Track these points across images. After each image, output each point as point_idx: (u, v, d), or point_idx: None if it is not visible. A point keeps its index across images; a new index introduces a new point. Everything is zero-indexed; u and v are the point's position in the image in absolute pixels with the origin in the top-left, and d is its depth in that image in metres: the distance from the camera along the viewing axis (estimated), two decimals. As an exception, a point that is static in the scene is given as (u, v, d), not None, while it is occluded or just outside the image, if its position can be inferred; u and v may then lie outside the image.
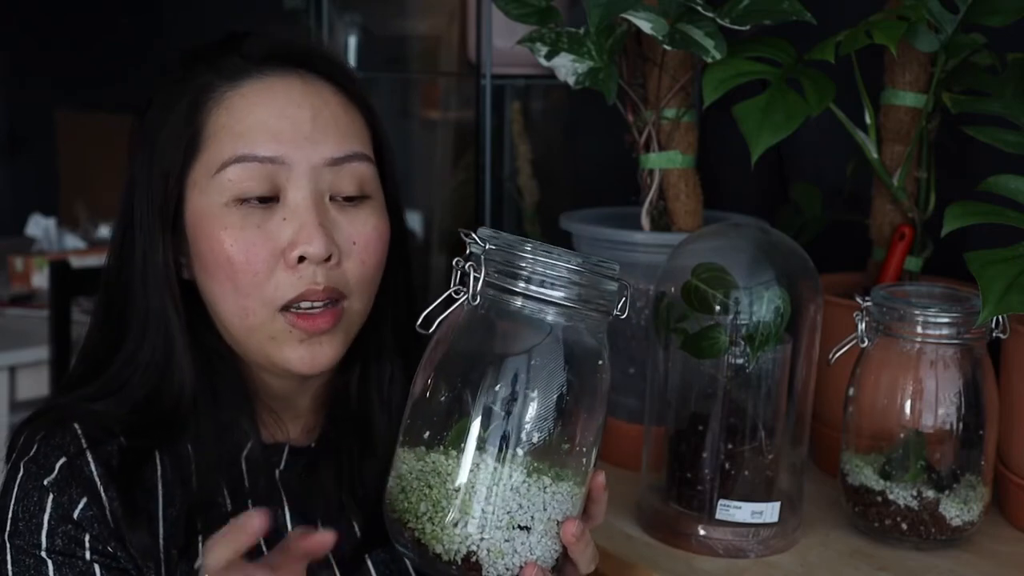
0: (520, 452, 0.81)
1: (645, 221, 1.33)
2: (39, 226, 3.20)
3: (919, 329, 1.08)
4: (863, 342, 1.10)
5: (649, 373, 1.14)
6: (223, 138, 0.94)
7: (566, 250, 0.83)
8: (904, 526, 1.09)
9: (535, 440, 0.81)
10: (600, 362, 0.85)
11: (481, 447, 0.81)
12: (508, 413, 0.81)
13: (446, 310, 0.84)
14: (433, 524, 0.81)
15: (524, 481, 0.81)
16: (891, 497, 1.09)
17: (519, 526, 0.81)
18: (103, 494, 0.93)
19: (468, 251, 0.83)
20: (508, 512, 0.81)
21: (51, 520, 0.92)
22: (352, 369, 1.04)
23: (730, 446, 1.07)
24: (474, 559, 0.80)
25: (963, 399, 1.08)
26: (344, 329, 0.97)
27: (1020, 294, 0.97)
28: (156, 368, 0.97)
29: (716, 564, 1.07)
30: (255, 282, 0.93)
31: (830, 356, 1.11)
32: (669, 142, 1.31)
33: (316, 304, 0.94)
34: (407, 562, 1.04)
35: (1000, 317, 1.07)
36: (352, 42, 2.32)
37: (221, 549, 0.82)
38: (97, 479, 0.93)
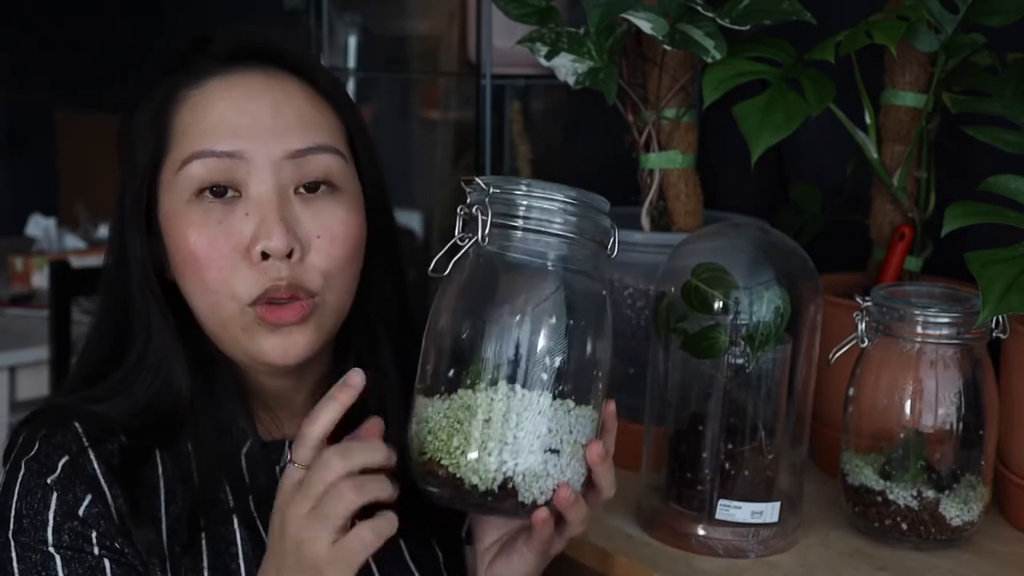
0: (544, 377, 0.85)
1: (645, 221, 1.33)
2: (39, 226, 3.20)
3: (919, 329, 1.08)
4: (863, 342, 1.10)
5: (649, 373, 1.14)
6: (186, 136, 0.95)
7: (561, 185, 0.88)
8: (904, 526, 1.09)
9: (556, 364, 0.85)
10: (603, 292, 0.90)
11: (506, 377, 0.84)
12: (522, 340, 0.85)
13: (452, 256, 0.88)
14: (467, 456, 0.84)
15: (551, 405, 0.85)
16: (891, 497, 1.09)
17: (550, 449, 0.85)
18: (107, 491, 0.93)
19: (469, 199, 0.88)
20: (538, 436, 0.84)
21: (56, 517, 0.92)
22: (345, 365, 1.03)
23: (730, 446, 1.07)
24: (510, 485, 0.83)
25: (963, 399, 1.08)
26: (316, 323, 0.96)
27: (1020, 294, 0.97)
28: (157, 371, 0.97)
29: (716, 564, 1.07)
30: (220, 278, 0.93)
31: (830, 356, 1.11)
32: (669, 142, 1.31)
33: (282, 299, 0.94)
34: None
35: (1000, 317, 1.07)
36: (352, 42, 2.32)
37: (326, 412, 0.87)
38: (100, 477, 0.93)
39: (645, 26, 1.19)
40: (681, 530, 1.09)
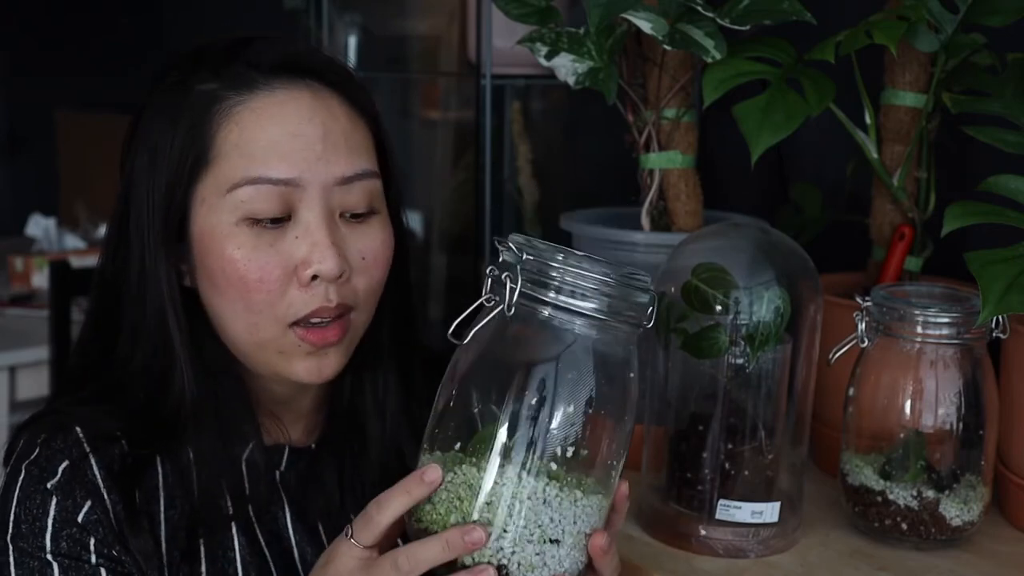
0: (553, 465, 0.81)
1: (645, 221, 1.33)
2: (39, 226, 3.20)
3: (919, 329, 1.08)
4: (863, 342, 1.10)
5: (649, 373, 1.14)
6: (235, 157, 0.93)
7: (600, 259, 0.82)
8: (904, 526, 1.09)
9: (567, 452, 0.81)
10: (631, 374, 0.86)
11: (512, 459, 0.80)
12: (537, 423, 0.81)
13: (475, 318, 0.84)
14: None
15: (556, 495, 0.81)
16: (891, 497, 1.09)
17: (550, 539, 0.81)
18: (107, 497, 0.93)
19: (501, 259, 0.83)
20: (539, 526, 0.81)
21: (55, 523, 0.91)
22: (350, 371, 1.03)
23: (730, 446, 1.07)
24: (504, 572, 0.80)
25: (963, 399, 1.08)
26: (350, 339, 0.97)
27: (1020, 294, 0.97)
28: (155, 375, 0.96)
29: (716, 564, 1.07)
30: (268, 300, 0.93)
31: (830, 356, 1.11)
32: (669, 142, 1.31)
33: (326, 319, 0.94)
34: None
35: (1000, 317, 1.07)
36: (352, 42, 2.32)
37: (395, 502, 0.82)
38: (100, 482, 0.93)
39: (645, 26, 1.19)
40: (681, 530, 1.09)
